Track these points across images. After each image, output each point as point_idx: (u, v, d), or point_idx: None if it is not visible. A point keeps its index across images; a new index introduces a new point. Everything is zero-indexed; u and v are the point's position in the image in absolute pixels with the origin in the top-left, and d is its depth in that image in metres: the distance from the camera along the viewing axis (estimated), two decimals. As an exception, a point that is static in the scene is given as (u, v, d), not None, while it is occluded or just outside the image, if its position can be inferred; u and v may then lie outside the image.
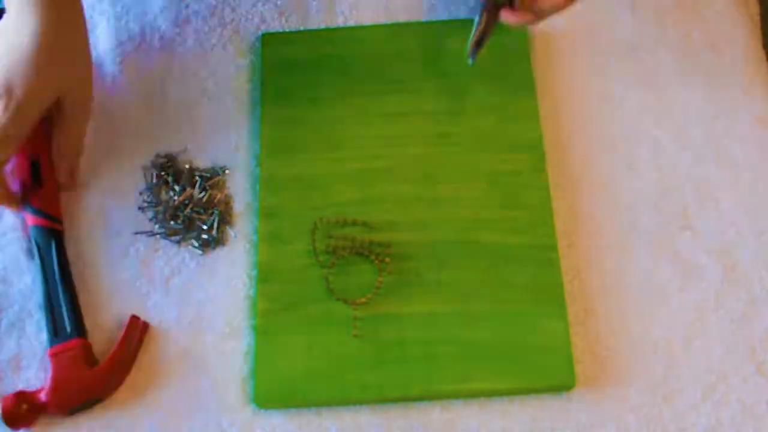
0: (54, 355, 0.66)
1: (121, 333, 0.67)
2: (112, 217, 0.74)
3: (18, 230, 0.73)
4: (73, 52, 0.71)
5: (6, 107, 0.67)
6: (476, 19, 0.70)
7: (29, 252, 0.72)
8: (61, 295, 0.68)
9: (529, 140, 0.73)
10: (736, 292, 0.69)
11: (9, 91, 0.67)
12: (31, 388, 0.67)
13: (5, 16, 0.70)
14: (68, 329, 0.67)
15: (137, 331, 0.68)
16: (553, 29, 0.78)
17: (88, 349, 0.67)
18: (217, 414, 0.66)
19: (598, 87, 0.77)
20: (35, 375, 0.68)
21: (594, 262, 0.70)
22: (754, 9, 0.84)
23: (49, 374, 0.66)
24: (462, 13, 0.82)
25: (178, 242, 0.73)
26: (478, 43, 0.70)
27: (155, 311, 0.70)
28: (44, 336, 0.69)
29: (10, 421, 0.64)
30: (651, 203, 0.72)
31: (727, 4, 0.81)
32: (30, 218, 0.71)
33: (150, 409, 0.66)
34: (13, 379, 0.68)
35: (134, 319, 0.68)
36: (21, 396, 0.65)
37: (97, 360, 0.67)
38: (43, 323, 0.69)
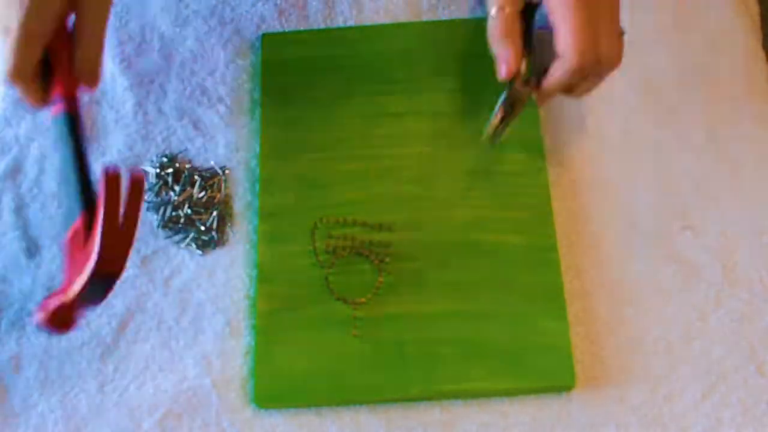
0: (67, 243, 0.59)
1: (101, 192, 0.56)
2: (112, 217, 0.74)
3: (18, 230, 0.73)
4: None
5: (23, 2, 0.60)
6: (497, 106, 0.67)
7: (28, 251, 0.72)
8: (77, 171, 0.60)
9: (529, 140, 0.73)
10: (736, 292, 0.68)
11: None
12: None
13: None
14: (77, 210, 0.59)
15: (115, 184, 0.55)
16: (553, 29, 0.78)
17: (87, 222, 0.58)
18: (217, 414, 0.66)
19: (598, 87, 0.77)
20: (35, 375, 0.68)
21: (594, 262, 0.70)
22: (754, 9, 0.84)
23: (65, 265, 0.59)
24: (462, 13, 0.82)
25: (178, 242, 0.73)
26: (498, 129, 0.68)
27: (155, 311, 0.70)
28: (44, 335, 0.69)
29: (57, 324, 0.57)
30: (651, 203, 0.72)
31: (727, 4, 0.81)
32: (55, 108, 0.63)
33: (150, 408, 0.66)
34: (13, 379, 0.68)
35: (109, 174, 0.56)
36: (52, 301, 0.57)
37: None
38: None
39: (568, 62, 0.62)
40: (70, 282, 0.57)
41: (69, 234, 0.58)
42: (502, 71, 0.65)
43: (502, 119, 0.68)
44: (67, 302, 0.56)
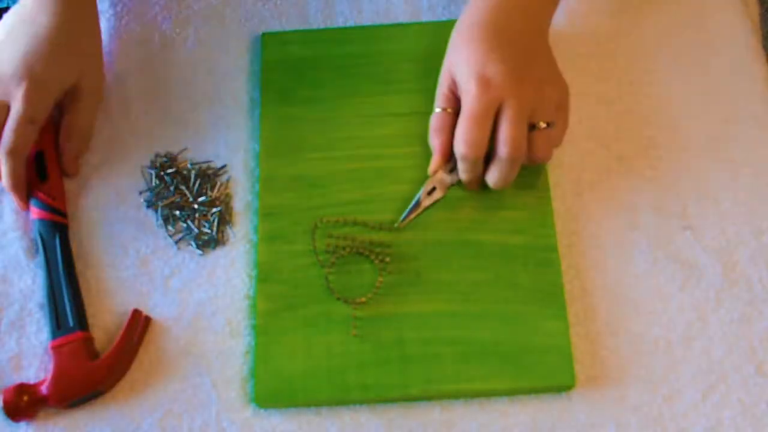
0: (56, 348, 0.66)
1: (123, 326, 0.67)
2: (112, 217, 0.74)
3: (18, 230, 0.73)
4: (87, 36, 0.75)
5: (28, 91, 0.70)
6: (419, 193, 0.71)
7: (34, 244, 0.72)
8: (64, 289, 0.68)
9: (529, 140, 0.73)
10: (736, 292, 0.69)
11: (31, 75, 0.70)
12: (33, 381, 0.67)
13: (18, 5, 0.73)
14: (71, 322, 0.67)
15: (139, 324, 0.68)
16: (552, 29, 0.78)
17: (90, 342, 0.67)
18: (217, 414, 0.66)
19: (598, 86, 0.77)
20: (35, 374, 0.68)
21: (594, 262, 0.70)
22: (754, 9, 0.84)
23: (51, 367, 0.66)
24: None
25: (178, 242, 0.73)
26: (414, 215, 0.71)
27: (155, 311, 0.70)
28: (44, 335, 0.69)
29: (11, 413, 0.64)
30: (651, 203, 0.72)
31: (727, 4, 0.81)
32: (35, 212, 0.72)
33: (150, 408, 0.66)
34: (13, 379, 0.68)
35: (136, 313, 0.68)
36: (22, 388, 0.65)
37: (99, 353, 0.67)
38: (43, 322, 0.69)
39: (458, 153, 0.67)
40: (55, 382, 0.65)
41: (59, 342, 0.67)
42: (432, 163, 0.70)
43: (419, 205, 0.71)
44: (41, 399, 0.65)
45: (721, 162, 0.74)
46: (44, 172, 0.73)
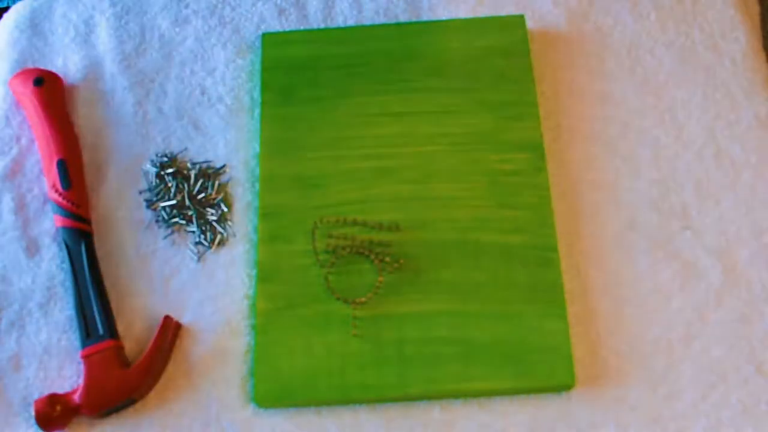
0: (87, 357, 0.66)
1: (155, 333, 0.67)
2: (111, 217, 0.74)
3: (18, 229, 0.73)
4: None
5: None
6: None
7: (28, 251, 0.72)
8: (92, 297, 0.68)
9: (529, 140, 0.73)
10: (736, 292, 0.68)
11: None
12: (63, 390, 0.66)
13: None
14: (101, 330, 0.67)
15: (170, 330, 0.67)
16: (553, 29, 0.78)
17: (120, 350, 0.67)
18: (217, 414, 0.66)
19: (598, 87, 0.77)
20: (35, 374, 0.68)
21: (594, 262, 0.70)
22: (754, 9, 0.84)
23: (82, 376, 0.65)
24: (462, 13, 0.82)
25: (178, 242, 0.72)
26: None
27: (155, 311, 0.70)
28: (44, 335, 0.69)
29: (44, 423, 0.64)
30: (651, 203, 0.72)
31: (727, 4, 0.81)
32: (59, 220, 0.71)
33: (150, 408, 0.66)
34: (13, 378, 0.68)
35: (167, 319, 0.67)
36: (54, 398, 0.64)
37: (129, 361, 0.67)
38: (43, 321, 0.69)
39: None
40: (87, 391, 0.64)
41: (90, 350, 0.66)
42: None
43: None
44: (74, 409, 0.64)
45: (721, 162, 0.74)
46: (67, 180, 0.72)
